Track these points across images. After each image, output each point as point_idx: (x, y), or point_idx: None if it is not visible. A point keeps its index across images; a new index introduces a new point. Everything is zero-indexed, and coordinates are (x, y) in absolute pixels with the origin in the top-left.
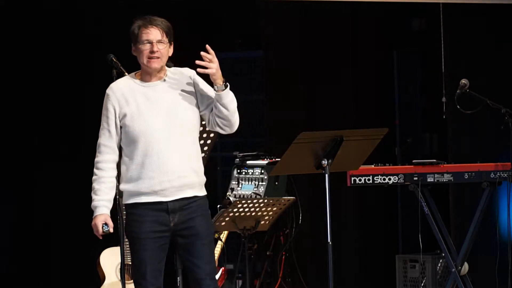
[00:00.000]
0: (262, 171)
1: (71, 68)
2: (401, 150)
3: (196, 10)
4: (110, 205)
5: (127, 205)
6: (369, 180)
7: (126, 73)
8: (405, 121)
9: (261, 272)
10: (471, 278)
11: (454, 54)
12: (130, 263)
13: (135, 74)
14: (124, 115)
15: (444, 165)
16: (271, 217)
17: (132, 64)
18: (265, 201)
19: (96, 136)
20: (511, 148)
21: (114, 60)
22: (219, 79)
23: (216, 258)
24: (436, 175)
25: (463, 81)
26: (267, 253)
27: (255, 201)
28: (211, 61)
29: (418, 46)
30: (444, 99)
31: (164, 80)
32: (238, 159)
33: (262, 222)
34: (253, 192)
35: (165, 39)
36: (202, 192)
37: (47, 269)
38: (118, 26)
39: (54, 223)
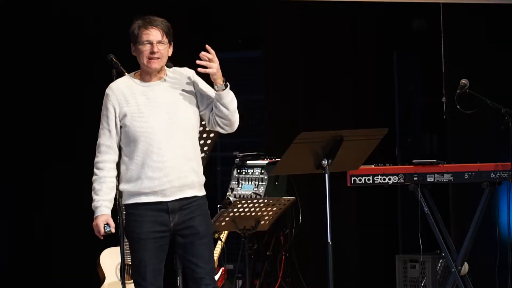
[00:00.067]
0: (262, 171)
1: (71, 68)
2: (401, 150)
3: (196, 10)
4: (111, 205)
5: (127, 205)
6: (369, 180)
7: (126, 73)
8: (405, 121)
9: (261, 272)
10: (471, 278)
11: (454, 54)
12: (130, 263)
13: (135, 74)
14: (124, 115)
15: (444, 165)
16: (271, 217)
17: (132, 64)
18: (265, 201)
19: (96, 136)
20: (511, 148)
21: (114, 60)
22: (219, 78)
23: (216, 258)
24: (436, 175)
25: (463, 81)
26: (267, 253)
27: (255, 201)
28: (211, 61)
29: (418, 46)
30: (444, 99)
31: (164, 80)
32: (238, 159)
33: (262, 222)
34: (253, 192)
35: (165, 40)
36: (202, 192)
37: (47, 269)
38: (118, 26)
39: (54, 223)
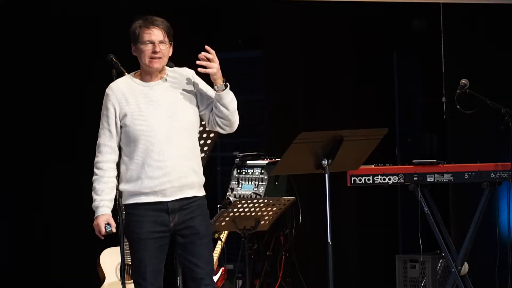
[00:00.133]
0: (262, 171)
1: (71, 68)
2: (401, 150)
3: (196, 10)
4: (111, 205)
5: (127, 206)
6: (369, 180)
7: (126, 73)
8: (405, 121)
9: (261, 272)
10: (471, 278)
11: (454, 54)
12: (130, 263)
13: (135, 74)
14: (125, 115)
15: (444, 165)
16: (271, 217)
17: (132, 64)
18: (265, 201)
19: (96, 136)
20: (511, 148)
21: (114, 60)
22: (219, 79)
23: (216, 258)
24: (436, 175)
25: (463, 81)
26: (267, 253)
27: (255, 201)
28: (212, 61)
29: (418, 46)
30: (444, 99)
31: (164, 80)
32: (238, 159)
33: (262, 222)
34: (253, 192)
35: (166, 40)
36: (201, 192)
37: (47, 269)
38: (118, 26)
39: (54, 223)
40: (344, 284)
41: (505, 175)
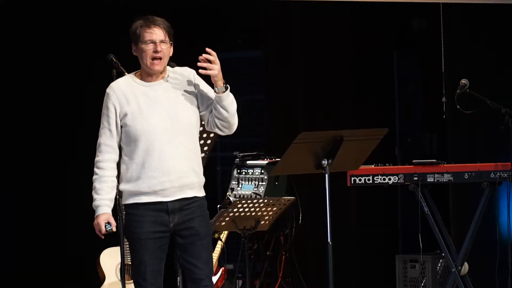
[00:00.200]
0: (262, 171)
1: (71, 68)
2: (401, 150)
3: (196, 10)
4: (112, 204)
5: (127, 206)
6: (369, 180)
7: (126, 73)
8: (405, 121)
9: (261, 272)
10: (471, 278)
11: (454, 54)
12: (130, 263)
13: (135, 73)
14: (125, 115)
15: (444, 165)
16: (271, 217)
17: (132, 64)
18: (265, 201)
19: (96, 136)
20: (511, 148)
21: (114, 60)
22: (220, 80)
23: (216, 258)
24: (436, 175)
25: (463, 81)
26: (267, 253)
27: (255, 201)
28: (213, 63)
29: (418, 46)
30: (444, 99)
31: (165, 80)
32: (238, 159)
33: (262, 222)
34: (253, 192)
35: (167, 39)
36: (201, 193)
37: (47, 269)
38: (118, 26)
39: (54, 223)
40: (344, 284)
41: (505, 175)
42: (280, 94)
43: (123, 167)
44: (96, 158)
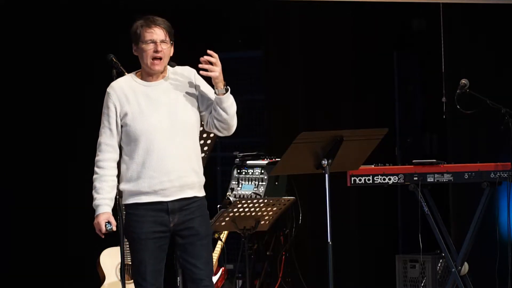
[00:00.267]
0: (262, 171)
1: (71, 68)
2: (401, 150)
3: (196, 10)
4: (112, 204)
5: (127, 206)
6: (369, 180)
7: (126, 73)
8: (405, 121)
9: (261, 272)
10: (471, 278)
11: (454, 54)
12: (130, 263)
13: (136, 73)
14: (125, 114)
15: (444, 165)
16: (271, 217)
17: (132, 64)
18: (265, 201)
19: (96, 136)
20: (511, 148)
21: (114, 60)
22: (220, 82)
23: (216, 258)
24: (436, 175)
25: (463, 81)
26: (267, 253)
27: (255, 201)
28: (214, 65)
29: (418, 46)
30: (444, 99)
31: (166, 79)
32: (238, 159)
33: (262, 222)
34: (253, 192)
35: (168, 39)
36: (201, 193)
37: (47, 269)
38: (118, 26)
39: (54, 223)
40: (344, 284)
41: (505, 175)
42: (280, 94)
43: (123, 166)
44: (97, 158)
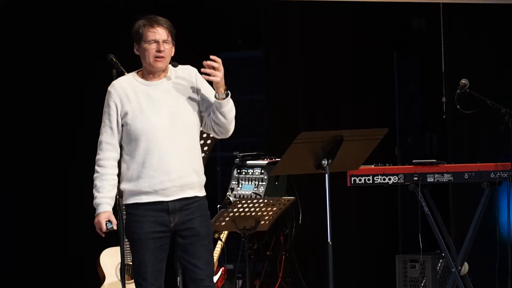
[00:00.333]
0: (262, 171)
1: (71, 68)
2: (401, 150)
3: (196, 10)
4: (112, 203)
5: (128, 205)
6: (369, 180)
7: (126, 73)
8: (405, 121)
9: (261, 272)
10: (471, 278)
11: (454, 54)
12: (131, 263)
13: (137, 72)
14: (126, 113)
15: (444, 165)
16: (271, 217)
17: (132, 64)
18: (265, 201)
19: (96, 136)
20: (511, 148)
21: (114, 60)
22: (221, 87)
23: (216, 258)
24: (436, 175)
25: (463, 81)
26: (267, 253)
27: (255, 201)
28: (217, 70)
29: (418, 46)
30: (444, 99)
31: (167, 79)
32: (238, 159)
33: (262, 222)
34: (253, 192)
35: (170, 39)
36: (202, 192)
37: (47, 269)
38: (118, 26)
39: (54, 223)
40: (344, 284)
41: (505, 175)
42: (280, 94)
43: (123, 166)
44: (97, 156)
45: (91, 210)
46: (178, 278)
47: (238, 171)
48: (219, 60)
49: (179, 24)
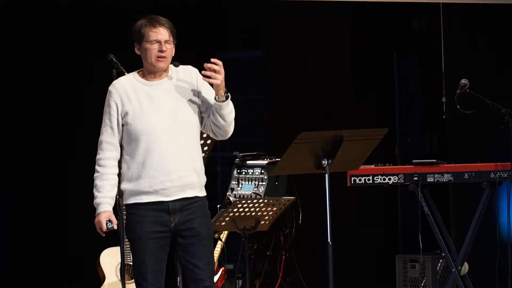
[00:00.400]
0: (262, 171)
1: (71, 68)
2: (401, 150)
3: (196, 10)
4: (113, 202)
5: (128, 205)
6: (369, 180)
7: (126, 73)
8: (405, 121)
9: (261, 272)
10: (471, 278)
11: (454, 54)
12: (131, 263)
13: (138, 72)
14: (126, 113)
15: (444, 165)
16: (271, 217)
17: (132, 64)
18: (265, 201)
19: (96, 136)
20: (511, 148)
21: (114, 60)
22: (222, 89)
23: (216, 258)
24: (436, 175)
25: (463, 81)
26: (267, 253)
27: (255, 201)
28: (218, 72)
29: (418, 46)
30: (444, 99)
31: (168, 79)
32: (238, 159)
33: (262, 222)
34: (253, 192)
35: (171, 39)
36: (202, 192)
37: (47, 269)
38: (118, 26)
39: (54, 223)
40: (344, 284)
41: (505, 175)
42: (280, 94)
43: (124, 166)
44: (98, 156)
45: (91, 210)
46: (178, 278)
47: (238, 171)
48: (220, 63)
49: (179, 24)
